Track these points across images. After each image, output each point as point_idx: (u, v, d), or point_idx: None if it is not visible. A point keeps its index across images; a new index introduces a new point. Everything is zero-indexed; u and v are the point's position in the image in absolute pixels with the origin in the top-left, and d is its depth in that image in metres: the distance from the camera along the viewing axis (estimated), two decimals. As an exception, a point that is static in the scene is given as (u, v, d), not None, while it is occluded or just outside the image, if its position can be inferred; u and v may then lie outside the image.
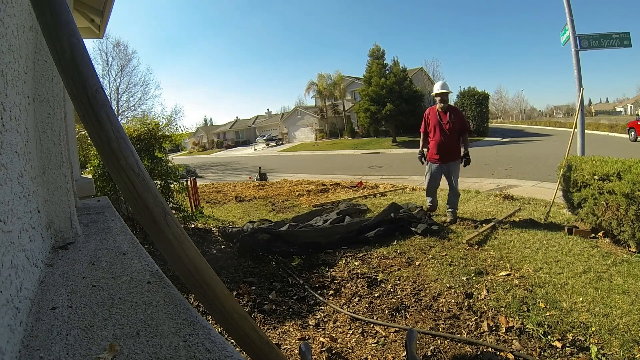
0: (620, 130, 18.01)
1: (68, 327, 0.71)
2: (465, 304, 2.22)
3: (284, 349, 1.91)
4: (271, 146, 33.93)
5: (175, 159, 4.78)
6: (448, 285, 2.49)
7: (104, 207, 2.05)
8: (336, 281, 2.71)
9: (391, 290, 2.50)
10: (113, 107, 0.87)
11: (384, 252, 3.20)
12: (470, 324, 2.02)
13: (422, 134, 4.14)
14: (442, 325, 2.03)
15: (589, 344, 1.77)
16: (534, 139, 18.98)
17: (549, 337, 1.85)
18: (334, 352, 1.85)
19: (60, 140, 1.26)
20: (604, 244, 3.07)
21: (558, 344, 1.78)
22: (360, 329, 2.05)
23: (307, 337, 1.99)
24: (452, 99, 21.74)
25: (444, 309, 2.19)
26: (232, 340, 0.77)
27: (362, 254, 3.19)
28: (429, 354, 1.79)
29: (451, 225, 3.82)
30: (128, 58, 23.17)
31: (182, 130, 5.05)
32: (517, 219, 3.88)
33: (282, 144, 35.27)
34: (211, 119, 71.47)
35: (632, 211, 2.72)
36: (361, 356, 1.82)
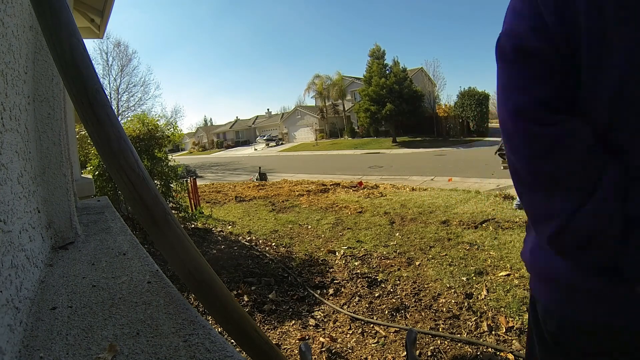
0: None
1: (68, 327, 0.71)
2: (465, 304, 2.22)
3: (284, 349, 1.91)
4: (271, 146, 33.94)
5: (176, 159, 4.81)
6: (448, 285, 2.49)
7: (104, 207, 2.05)
8: (336, 281, 2.71)
9: (391, 290, 2.51)
10: (113, 107, 0.87)
11: (384, 252, 3.20)
12: (470, 324, 2.02)
13: None
14: (442, 326, 2.04)
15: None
16: (534, 139, 18.94)
17: (549, 337, 1.85)
18: (333, 352, 1.85)
19: (61, 140, 1.26)
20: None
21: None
22: (360, 329, 2.05)
23: (307, 337, 1.99)
24: (453, 99, 22.76)
25: (444, 309, 2.20)
26: (232, 340, 0.77)
27: (362, 254, 3.20)
28: (429, 354, 1.79)
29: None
30: (128, 58, 23.19)
31: (179, 131, 5.11)
32: (517, 219, 3.88)
33: (282, 144, 35.26)
34: (211, 119, 71.40)
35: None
36: (361, 356, 1.82)
